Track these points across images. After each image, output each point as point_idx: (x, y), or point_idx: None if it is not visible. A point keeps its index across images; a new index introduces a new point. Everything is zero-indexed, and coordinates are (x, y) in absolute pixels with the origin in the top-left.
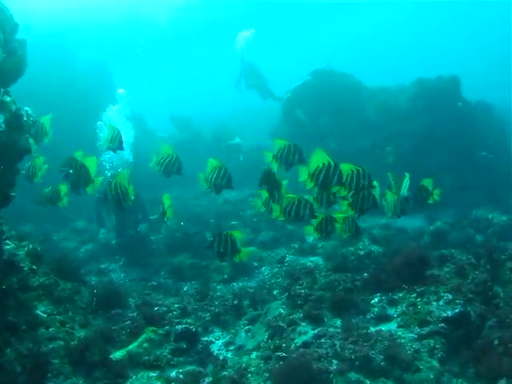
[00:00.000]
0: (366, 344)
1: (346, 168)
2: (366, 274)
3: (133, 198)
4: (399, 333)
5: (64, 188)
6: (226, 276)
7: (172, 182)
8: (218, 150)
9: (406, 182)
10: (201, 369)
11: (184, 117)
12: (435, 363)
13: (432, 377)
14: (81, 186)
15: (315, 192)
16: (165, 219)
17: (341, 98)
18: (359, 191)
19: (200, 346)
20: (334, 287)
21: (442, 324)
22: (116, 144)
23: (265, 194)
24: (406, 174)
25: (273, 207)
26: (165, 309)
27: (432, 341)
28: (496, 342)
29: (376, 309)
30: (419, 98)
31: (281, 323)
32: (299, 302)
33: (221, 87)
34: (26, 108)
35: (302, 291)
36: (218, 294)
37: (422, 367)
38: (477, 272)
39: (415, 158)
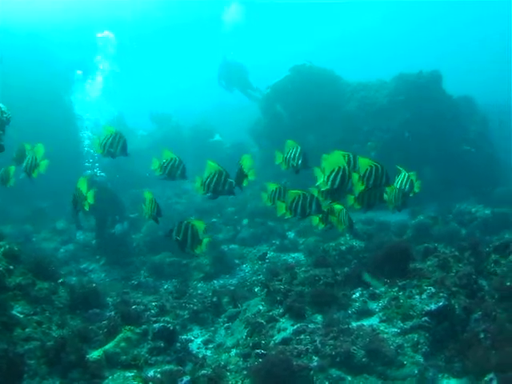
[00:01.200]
0: (347, 339)
1: (364, 163)
2: (346, 269)
3: (92, 202)
4: (381, 328)
5: (13, 169)
6: (206, 274)
7: (153, 180)
8: (198, 146)
9: (405, 176)
10: (179, 368)
11: (164, 114)
12: (419, 358)
13: (416, 372)
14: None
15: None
16: (146, 216)
17: (321, 94)
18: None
19: (178, 344)
20: (315, 282)
21: (426, 318)
22: (118, 150)
23: (271, 187)
24: (400, 168)
25: (277, 205)
26: (142, 307)
27: (416, 335)
28: (482, 336)
29: (357, 303)
30: (399, 93)
31: (260, 320)
32: (278, 298)
33: (201, 84)
34: (0, 104)
35: (282, 287)
36: (197, 291)
37: (405, 362)
38: (461, 265)
39: (396, 153)
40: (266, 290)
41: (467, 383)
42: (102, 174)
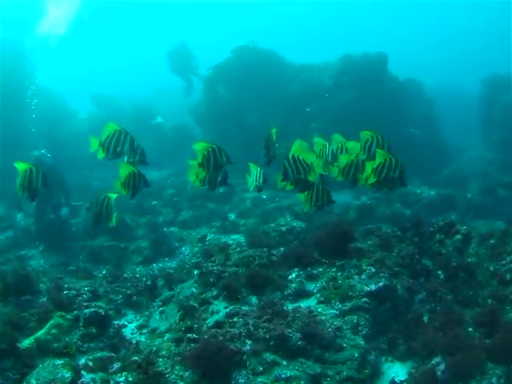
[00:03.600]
0: (281, 322)
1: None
2: (282, 249)
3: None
4: (319, 309)
5: None
6: (145, 257)
7: (96, 163)
8: (140, 128)
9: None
10: (112, 354)
11: (105, 95)
12: (360, 341)
13: (357, 355)
14: None
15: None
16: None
17: (264, 75)
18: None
19: (112, 330)
20: (249, 263)
21: (366, 299)
22: (138, 157)
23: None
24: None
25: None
26: (74, 292)
27: (355, 317)
28: (428, 317)
29: (294, 284)
30: (344, 75)
31: (192, 303)
32: (212, 280)
33: (144, 66)
34: None
35: (215, 268)
36: (131, 275)
37: (345, 345)
38: (403, 245)
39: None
40: (198, 271)
41: (413, 366)
42: (48, 155)
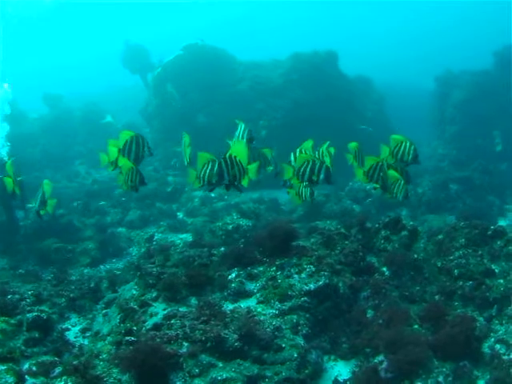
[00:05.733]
0: (218, 323)
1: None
2: (222, 248)
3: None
4: (259, 309)
5: None
6: (92, 258)
7: (45, 163)
8: (90, 128)
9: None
10: (55, 359)
11: (56, 95)
12: (300, 340)
13: (296, 355)
14: None
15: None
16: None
17: (213, 73)
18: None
19: (55, 334)
20: (189, 263)
21: (305, 298)
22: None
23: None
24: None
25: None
26: (18, 297)
27: (295, 316)
28: (371, 314)
29: (234, 284)
30: (293, 72)
31: (132, 305)
32: (151, 282)
33: (94, 65)
34: None
35: (154, 269)
36: (79, 277)
37: (284, 345)
38: (347, 242)
39: (289, 131)
40: (138, 273)
41: (356, 365)
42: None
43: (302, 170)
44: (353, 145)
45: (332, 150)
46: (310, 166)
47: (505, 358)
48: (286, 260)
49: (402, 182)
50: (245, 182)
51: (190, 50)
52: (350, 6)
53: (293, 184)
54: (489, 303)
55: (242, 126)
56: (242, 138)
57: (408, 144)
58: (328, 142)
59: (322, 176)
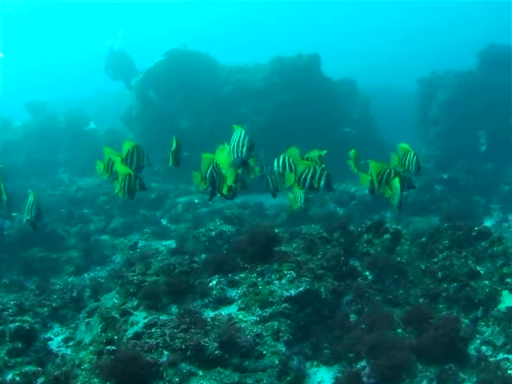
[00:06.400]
0: (198, 331)
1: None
2: (204, 255)
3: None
4: (240, 316)
5: None
6: (76, 267)
7: (29, 171)
8: (74, 135)
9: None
10: (38, 369)
11: (39, 102)
12: (281, 347)
13: (277, 362)
14: None
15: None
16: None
17: (195, 78)
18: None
19: (38, 344)
20: (170, 271)
21: (286, 304)
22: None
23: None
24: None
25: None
26: (0, 307)
27: (276, 323)
28: (354, 318)
29: (215, 292)
30: (275, 76)
31: (114, 314)
32: (132, 290)
33: (77, 72)
34: None
35: (135, 278)
36: (63, 286)
37: (265, 352)
38: (329, 246)
39: (272, 135)
40: (120, 281)
41: (339, 370)
42: None
43: (302, 177)
44: (352, 152)
45: (323, 152)
46: (310, 173)
47: (492, 359)
48: (267, 266)
49: (398, 191)
50: (224, 190)
51: (172, 55)
52: (333, 9)
53: (293, 190)
54: (474, 305)
55: (241, 132)
56: (242, 145)
57: (412, 154)
58: (318, 153)
59: (322, 183)
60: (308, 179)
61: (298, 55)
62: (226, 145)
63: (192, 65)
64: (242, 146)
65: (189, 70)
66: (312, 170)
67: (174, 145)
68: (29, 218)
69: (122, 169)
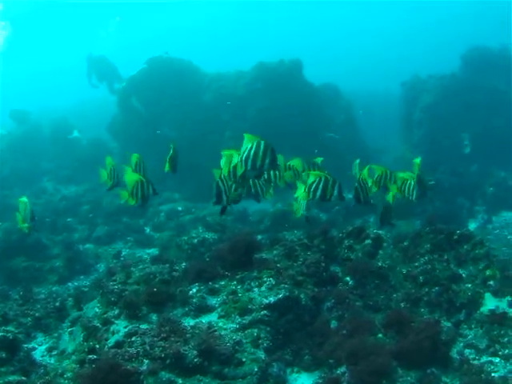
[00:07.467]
0: (178, 339)
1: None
2: (184, 264)
3: None
4: (220, 324)
5: None
6: (60, 276)
7: (13, 180)
8: (58, 144)
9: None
10: (23, 378)
11: (23, 111)
12: (261, 354)
13: (257, 369)
14: None
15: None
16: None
17: (178, 85)
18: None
19: (22, 353)
20: (150, 280)
21: (265, 311)
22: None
23: None
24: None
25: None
26: None
27: (255, 330)
28: (335, 324)
29: (195, 300)
30: (258, 82)
31: (95, 323)
32: (113, 299)
33: (61, 80)
34: None
35: (116, 287)
36: (47, 295)
37: (244, 360)
38: (309, 253)
39: None
40: (101, 291)
41: (320, 377)
42: None
43: (313, 187)
44: (357, 161)
45: (319, 160)
46: (322, 183)
47: (475, 362)
48: (247, 273)
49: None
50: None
51: (154, 63)
52: (318, 13)
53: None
54: (456, 308)
55: (259, 143)
56: (264, 157)
57: (412, 183)
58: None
59: (335, 193)
60: (320, 189)
61: (281, 61)
62: (235, 153)
63: (174, 72)
64: (264, 159)
65: (171, 77)
66: (324, 179)
67: (172, 151)
68: (28, 225)
69: (133, 176)
